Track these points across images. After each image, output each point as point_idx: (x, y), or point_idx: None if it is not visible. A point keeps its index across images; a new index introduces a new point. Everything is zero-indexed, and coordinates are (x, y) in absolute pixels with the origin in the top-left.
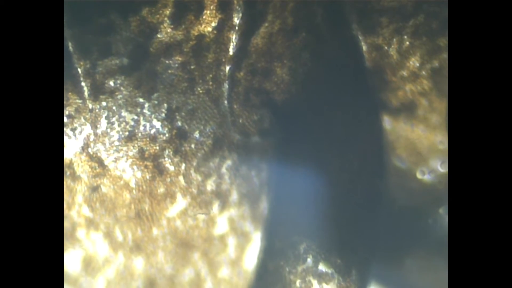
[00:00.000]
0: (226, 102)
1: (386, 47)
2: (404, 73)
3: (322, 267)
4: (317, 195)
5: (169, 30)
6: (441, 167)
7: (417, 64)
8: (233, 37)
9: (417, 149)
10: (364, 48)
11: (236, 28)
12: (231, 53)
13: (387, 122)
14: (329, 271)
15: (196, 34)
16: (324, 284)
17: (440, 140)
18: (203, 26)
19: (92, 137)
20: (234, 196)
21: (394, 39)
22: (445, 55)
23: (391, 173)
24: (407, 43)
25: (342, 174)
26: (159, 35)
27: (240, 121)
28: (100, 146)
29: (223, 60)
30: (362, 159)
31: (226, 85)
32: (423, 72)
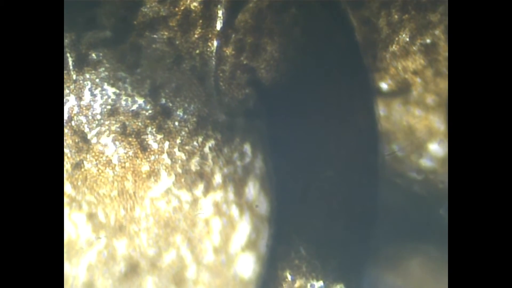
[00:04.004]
0: (212, 79)
1: (374, 20)
2: (395, 48)
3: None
4: (315, 175)
5: (154, 4)
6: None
7: (407, 39)
8: (220, 12)
9: (412, 130)
10: (354, 23)
11: (223, 2)
12: (218, 28)
13: (380, 100)
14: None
15: (182, 8)
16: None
17: (436, 120)
18: (189, 0)
19: (76, 109)
20: (218, 177)
21: (382, 12)
22: (436, 31)
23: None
24: (396, 17)
25: (340, 152)
26: (143, 9)
27: (226, 100)
28: (83, 118)
29: (210, 36)
30: (359, 136)
31: (213, 62)
32: (414, 48)
